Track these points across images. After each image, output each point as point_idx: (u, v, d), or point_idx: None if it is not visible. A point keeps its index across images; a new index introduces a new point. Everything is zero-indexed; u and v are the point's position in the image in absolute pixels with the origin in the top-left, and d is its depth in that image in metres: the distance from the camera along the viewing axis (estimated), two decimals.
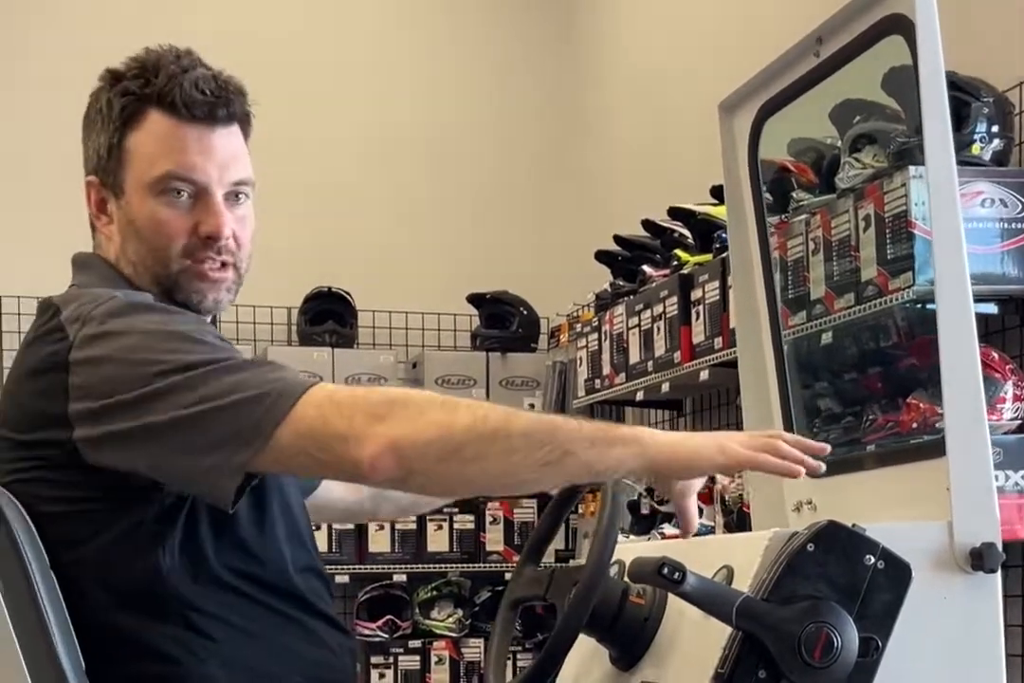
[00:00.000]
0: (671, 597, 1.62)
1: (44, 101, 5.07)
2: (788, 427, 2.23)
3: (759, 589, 1.49)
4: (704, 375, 3.87)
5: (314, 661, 1.69)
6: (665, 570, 1.46)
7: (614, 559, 1.75)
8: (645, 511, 4.22)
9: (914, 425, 2.74)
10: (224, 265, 1.75)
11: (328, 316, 5.52)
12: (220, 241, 1.73)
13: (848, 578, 1.50)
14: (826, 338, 3.07)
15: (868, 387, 3.04)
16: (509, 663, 4.85)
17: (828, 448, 1.58)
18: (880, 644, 1.50)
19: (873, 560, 1.52)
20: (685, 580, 1.46)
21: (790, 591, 1.49)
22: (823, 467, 1.55)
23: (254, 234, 1.79)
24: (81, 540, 1.58)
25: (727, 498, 3.61)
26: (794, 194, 3.30)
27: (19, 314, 5.11)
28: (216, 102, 1.71)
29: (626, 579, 1.62)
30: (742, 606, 1.47)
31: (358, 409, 1.46)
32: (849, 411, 3.03)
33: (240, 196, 1.76)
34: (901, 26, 1.88)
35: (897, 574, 1.52)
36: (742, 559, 1.57)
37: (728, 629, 1.50)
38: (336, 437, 1.45)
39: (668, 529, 3.92)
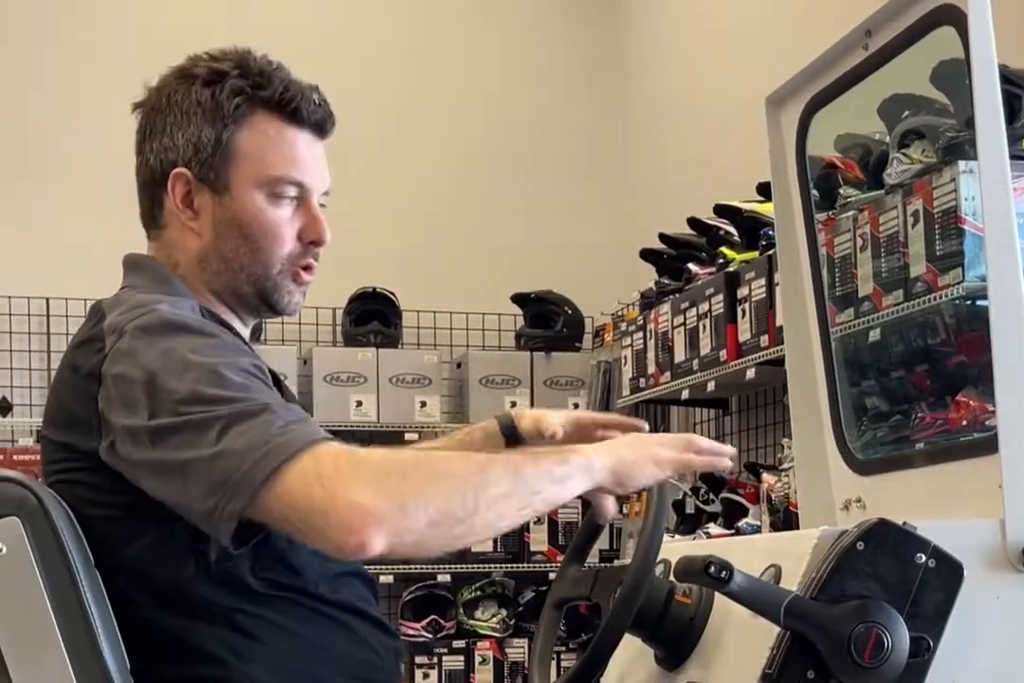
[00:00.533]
0: (718, 596, 1.60)
1: (99, 106, 5.11)
2: (837, 426, 2.20)
3: (808, 588, 1.48)
4: (750, 373, 3.84)
5: (359, 662, 1.68)
6: (712, 569, 1.44)
7: (660, 558, 1.73)
8: (690, 510, 4.20)
9: (964, 423, 2.71)
10: (311, 269, 1.80)
11: (373, 316, 5.52)
12: (322, 246, 1.79)
13: (899, 577, 1.48)
14: (874, 335, 3.04)
15: (917, 385, 3.00)
16: (553, 663, 4.84)
17: (734, 451, 1.67)
18: (931, 644, 1.48)
19: (924, 559, 1.49)
20: (732, 579, 1.44)
21: (839, 590, 1.47)
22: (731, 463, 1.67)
23: None
24: (124, 543, 1.58)
25: (773, 497, 3.58)
26: (841, 190, 3.27)
27: (67, 316, 5.15)
28: (327, 115, 1.78)
29: (672, 578, 1.60)
30: (790, 605, 1.45)
31: (343, 482, 1.43)
32: (897, 409, 3.00)
33: (323, 206, 1.82)
34: (952, 17, 1.85)
35: (949, 573, 1.50)
36: (790, 558, 1.55)
37: (776, 629, 1.48)
38: (318, 512, 1.43)
39: (714, 529, 3.90)
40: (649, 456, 1.57)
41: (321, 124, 1.77)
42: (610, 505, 1.73)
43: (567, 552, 1.82)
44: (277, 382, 1.79)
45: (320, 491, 1.42)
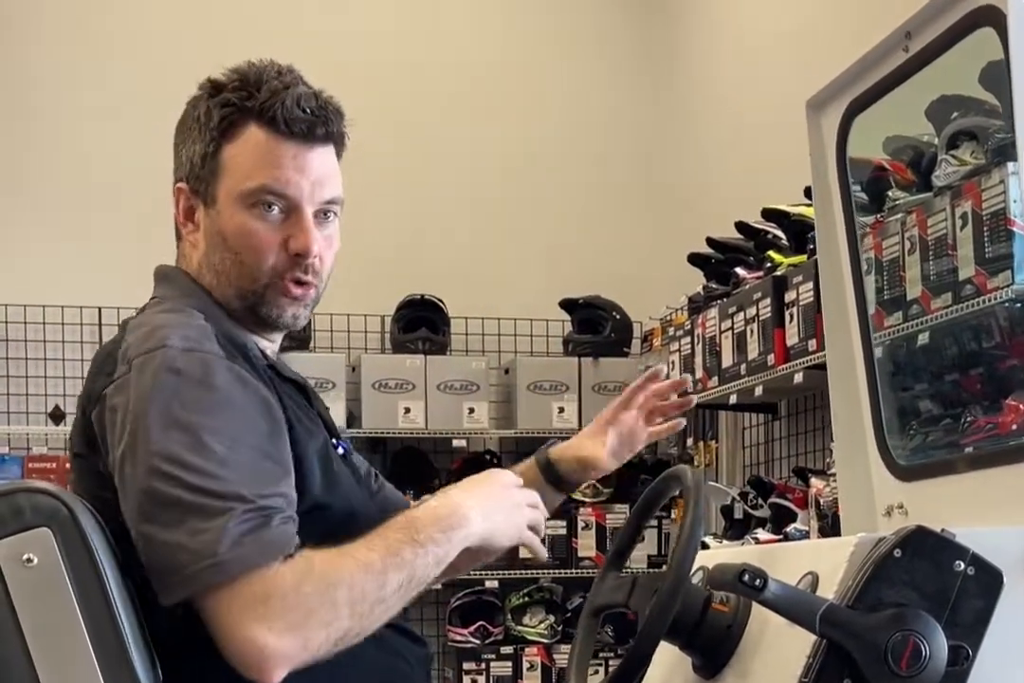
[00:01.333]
0: (755, 604, 1.59)
1: (159, 124, 5.16)
2: (879, 431, 2.18)
3: (844, 596, 1.46)
4: (798, 377, 3.81)
5: (386, 669, 1.68)
6: (746, 577, 1.43)
7: (698, 566, 1.73)
8: (739, 516, 4.17)
9: (1014, 426, 2.68)
10: (305, 284, 1.75)
11: (421, 323, 5.53)
12: (308, 259, 1.73)
13: (937, 585, 1.47)
14: (923, 339, 3.01)
15: (967, 388, 2.97)
16: (600, 669, 4.82)
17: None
18: (970, 653, 1.46)
19: (963, 566, 1.48)
20: (766, 587, 1.43)
21: (876, 598, 1.46)
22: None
23: (337, 254, 1.80)
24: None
25: (822, 502, 3.56)
26: (890, 193, 3.24)
27: (119, 326, 5.18)
28: (315, 120, 1.72)
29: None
30: (826, 613, 1.43)
31: (253, 621, 1.50)
32: (947, 413, 2.97)
33: (329, 215, 1.76)
34: (992, 18, 1.84)
35: (988, 580, 1.48)
36: (827, 565, 1.53)
37: (813, 637, 1.46)
38: (227, 639, 1.51)
39: (762, 534, 3.87)
40: (514, 522, 1.68)
41: (308, 132, 1.71)
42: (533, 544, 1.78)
43: (606, 559, 1.81)
44: (304, 392, 1.79)
45: (236, 622, 1.50)
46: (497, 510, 1.66)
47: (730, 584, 1.45)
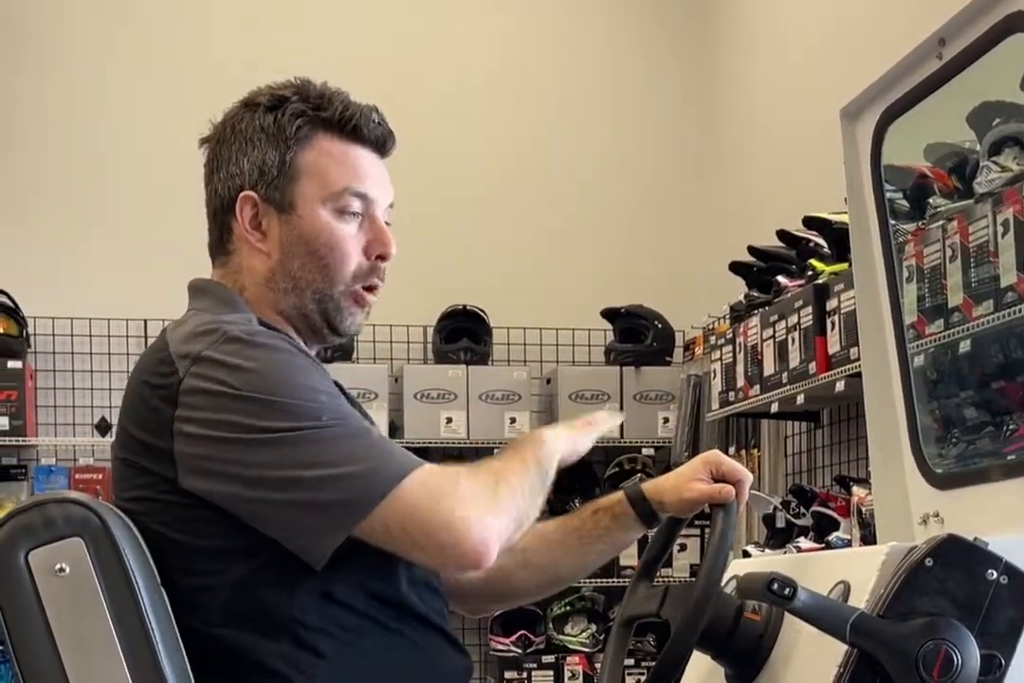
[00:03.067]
0: (787, 613, 1.58)
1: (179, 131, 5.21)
2: (914, 439, 2.17)
3: (875, 605, 1.46)
4: (840, 386, 3.79)
5: (425, 681, 1.68)
6: (775, 586, 1.43)
7: (731, 574, 1.72)
8: (781, 525, 4.15)
9: None
10: (374, 289, 1.80)
11: (463, 334, 5.54)
12: (388, 260, 1.79)
13: (969, 594, 1.46)
14: (964, 346, 2.99)
15: (1009, 396, 2.95)
16: (642, 679, 4.78)
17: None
18: (1003, 662, 1.46)
19: (996, 575, 1.47)
20: (796, 596, 1.43)
21: (908, 607, 1.45)
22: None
23: None
24: (195, 565, 1.60)
25: (864, 511, 3.54)
26: (931, 200, 3.23)
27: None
28: (388, 134, 1.81)
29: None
30: (856, 623, 1.43)
31: (457, 500, 1.58)
32: (990, 420, 2.95)
33: (388, 223, 1.82)
34: None
35: (1021, 589, 1.47)
36: (859, 574, 1.53)
37: (844, 646, 1.46)
38: (440, 528, 1.57)
39: (804, 543, 3.85)
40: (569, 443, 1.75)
41: (382, 142, 1.80)
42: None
43: (637, 569, 1.81)
44: (348, 399, 1.81)
45: (439, 508, 1.56)
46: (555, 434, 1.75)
47: (759, 593, 1.45)
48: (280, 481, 1.55)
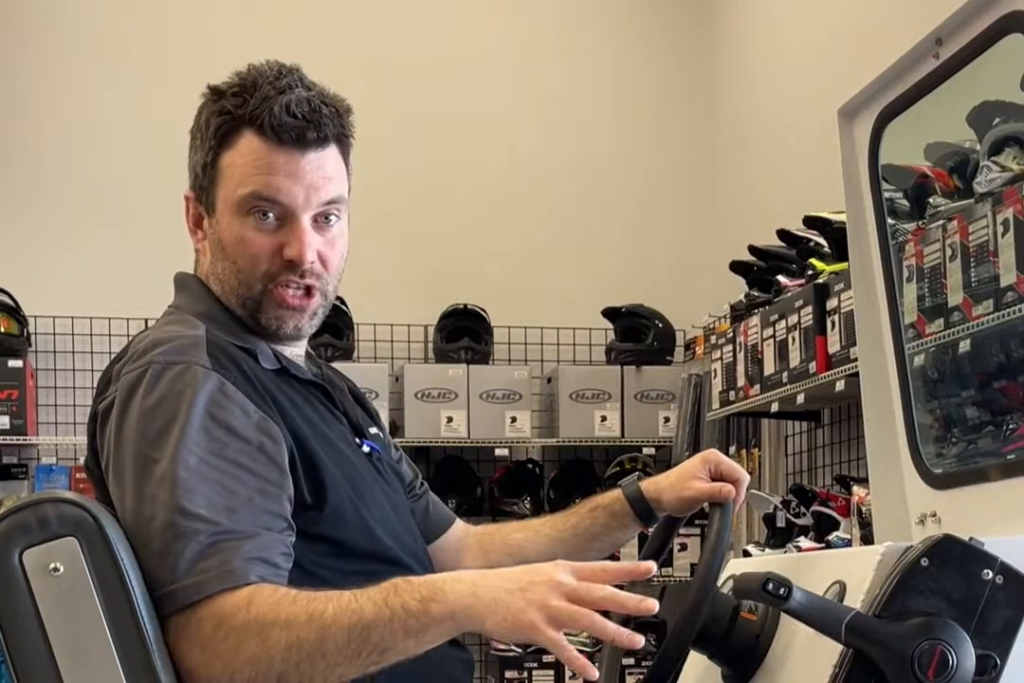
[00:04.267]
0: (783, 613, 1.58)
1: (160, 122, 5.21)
2: (912, 439, 2.17)
3: (871, 605, 1.45)
4: (840, 385, 3.79)
5: (425, 675, 1.68)
6: (770, 586, 1.43)
7: (729, 574, 1.72)
8: (781, 524, 4.15)
9: None
10: (309, 290, 1.75)
11: (464, 333, 5.54)
12: (303, 266, 1.72)
13: (964, 594, 1.45)
14: (964, 346, 2.99)
15: (1010, 395, 2.95)
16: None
17: (652, 568, 1.49)
18: (999, 662, 1.45)
19: (991, 575, 1.46)
20: (791, 596, 1.43)
21: (903, 607, 1.45)
22: (655, 607, 1.44)
23: (347, 252, 1.80)
24: None
25: (864, 511, 3.54)
26: (931, 200, 3.22)
27: None
28: (306, 126, 1.70)
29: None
30: (852, 622, 1.43)
31: (191, 645, 1.51)
32: (990, 420, 2.94)
33: (331, 217, 1.75)
34: (1021, 24, 1.83)
35: (1017, 589, 1.46)
36: (855, 574, 1.52)
37: (840, 646, 1.46)
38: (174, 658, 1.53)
39: (804, 542, 3.85)
40: (529, 621, 1.42)
41: (299, 138, 1.69)
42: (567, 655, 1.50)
43: None
44: (327, 393, 1.81)
45: (173, 642, 1.52)
46: (500, 586, 1.45)
47: (754, 593, 1.45)
48: (139, 522, 1.57)
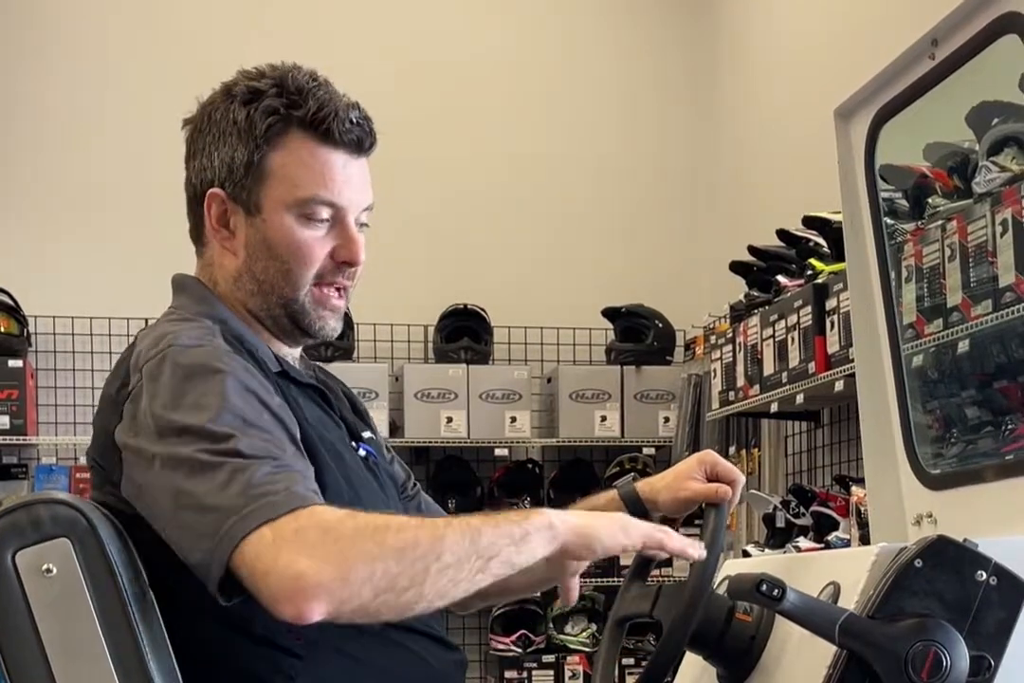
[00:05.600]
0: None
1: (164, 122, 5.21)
2: (908, 440, 2.17)
3: (865, 606, 1.46)
4: (839, 385, 3.79)
5: (417, 679, 1.68)
6: (764, 587, 1.43)
7: (725, 574, 1.72)
8: (781, 524, 4.15)
9: None
10: (343, 291, 1.78)
11: (464, 333, 5.54)
12: (356, 267, 1.76)
13: (958, 595, 1.46)
14: (963, 346, 2.99)
15: (1009, 396, 2.95)
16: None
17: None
18: (992, 663, 1.45)
19: (985, 576, 1.46)
20: (784, 597, 1.43)
21: (897, 608, 1.45)
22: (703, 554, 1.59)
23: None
24: (167, 564, 1.58)
25: (863, 511, 3.53)
26: (930, 200, 3.22)
27: None
28: (364, 133, 1.75)
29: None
30: (845, 624, 1.43)
31: (291, 550, 1.43)
32: (989, 420, 2.94)
33: (366, 223, 1.79)
34: (1017, 25, 1.83)
35: (1011, 590, 1.47)
36: (849, 575, 1.53)
37: (834, 647, 1.46)
38: (261, 576, 1.44)
39: (804, 542, 3.85)
40: (621, 526, 1.55)
41: (357, 143, 1.74)
42: (572, 592, 1.67)
43: (630, 569, 1.81)
44: (324, 397, 1.81)
45: (271, 556, 1.43)
46: (594, 518, 1.56)
47: (748, 594, 1.45)
48: (173, 506, 1.52)
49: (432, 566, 1.45)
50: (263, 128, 1.71)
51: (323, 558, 1.42)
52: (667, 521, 1.87)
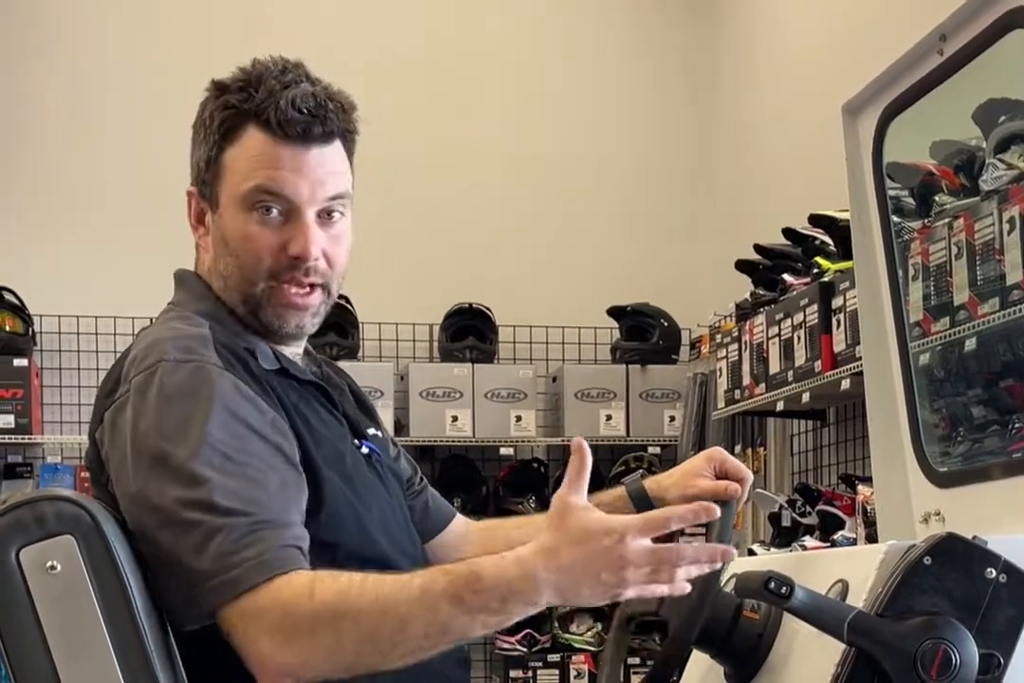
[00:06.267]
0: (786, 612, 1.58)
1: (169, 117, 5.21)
2: (916, 438, 2.16)
3: (873, 604, 1.45)
4: (845, 384, 3.79)
5: (422, 674, 1.67)
6: (772, 585, 1.42)
7: (732, 573, 1.72)
8: (786, 523, 4.14)
9: None
10: (312, 287, 1.73)
11: (469, 332, 5.53)
12: (308, 262, 1.71)
13: (967, 592, 1.45)
14: (970, 345, 2.98)
15: (1016, 394, 2.94)
16: None
17: (733, 552, 1.46)
18: (1002, 661, 1.44)
19: (994, 573, 1.46)
20: (793, 595, 1.42)
21: (906, 606, 1.44)
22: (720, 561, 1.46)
23: (351, 249, 1.78)
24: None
25: (869, 509, 3.53)
26: (937, 198, 3.21)
27: None
28: (312, 121, 1.69)
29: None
30: (854, 621, 1.42)
31: (258, 632, 1.50)
32: (996, 419, 2.94)
33: (334, 213, 1.74)
34: None
35: (1020, 588, 1.46)
36: (858, 573, 1.52)
37: (843, 645, 1.45)
38: (239, 648, 1.52)
39: (810, 541, 3.84)
40: (604, 589, 1.47)
41: (304, 133, 1.68)
42: None
43: None
44: (326, 394, 1.80)
45: (241, 629, 1.50)
46: (582, 581, 1.47)
47: (756, 592, 1.44)
48: (151, 539, 1.56)
49: (392, 653, 1.49)
50: (219, 123, 1.71)
51: (283, 641, 1.49)
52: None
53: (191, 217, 1.77)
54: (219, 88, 1.72)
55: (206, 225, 1.76)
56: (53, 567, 1.47)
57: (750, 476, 1.83)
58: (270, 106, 1.67)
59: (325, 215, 1.73)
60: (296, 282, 1.72)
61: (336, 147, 1.73)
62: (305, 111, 1.69)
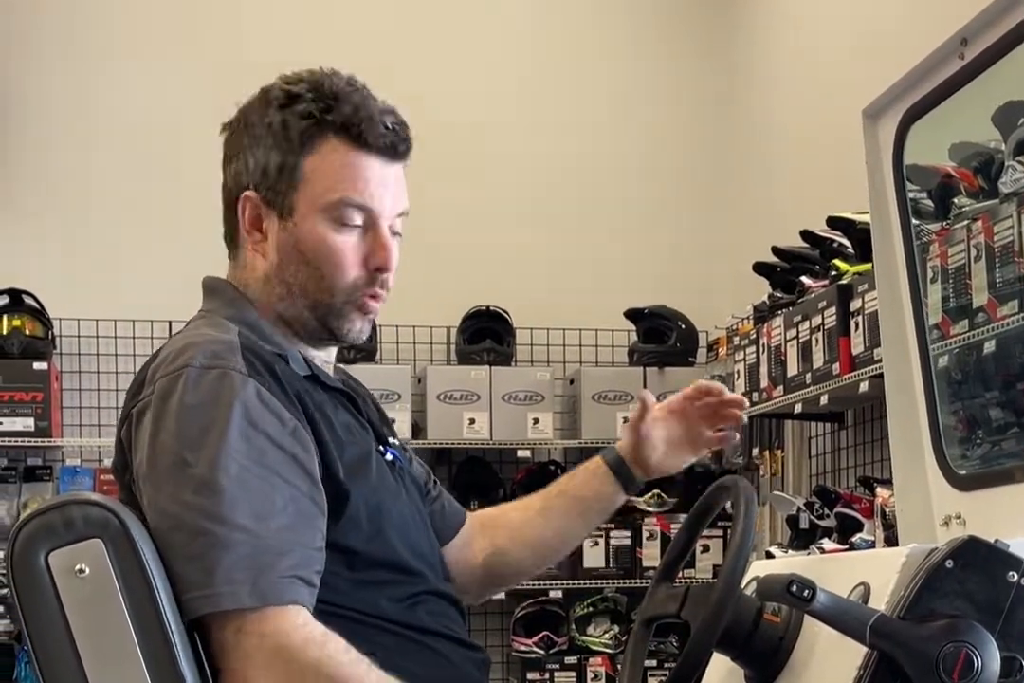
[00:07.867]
0: (807, 615, 1.58)
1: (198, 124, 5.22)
2: (936, 441, 2.16)
3: (895, 607, 1.45)
4: (863, 387, 3.79)
5: (442, 678, 1.68)
6: (794, 587, 1.42)
7: (752, 576, 1.72)
8: (804, 526, 4.14)
9: None
10: (377, 298, 1.78)
11: (486, 335, 5.53)
12: (387, 273, 1.75)
13: (989, 595, 1.45)
14: (989, 347, 2.98)
15: None
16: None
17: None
18: None
19: (1016, 577, 1.46)
20: (815, 598, 1.43)
21: (928, 609, 1.45)
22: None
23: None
24: None
25: (888, 512, 3.53)
26: (956, 200, 3.21)
27: None
28: (398, 138, 1.74)
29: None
30: (876, 624, 1.42)
31: (241, 654, 1.54)
32: (1015, 421, 2.93)
33: (398, 232, 1.79)
34: None
35: None
36: (879, 576, 1.52)
37: (864, 648, 1.45)
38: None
39: (828, 544, 3.84)
40: None
41: (391, 148, 1.74)
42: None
43: (657, 570, 1.81)
44: (352, 401, 1.81)
45: (231, 645, 1.54)
46: None
47: (778, 594, 1.45)
48: (166, 545, 1.57)
49: None
50: (298, 132, 1.72)
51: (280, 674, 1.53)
52: (695, 522, 1.86)
53: (244, 222, 1.76)
54: (289, 96, 1.73)
55: (263, 231, 1.76)
56: (82, 570, 1.49)
57: (743, 401, 1.98)
58: (362, 120, 1.72)
59: (392, 231, 1.77)
60: (373, 294, 1.76)
61: (404, 165, 1.79)
62: (392, 127, 1.74)
